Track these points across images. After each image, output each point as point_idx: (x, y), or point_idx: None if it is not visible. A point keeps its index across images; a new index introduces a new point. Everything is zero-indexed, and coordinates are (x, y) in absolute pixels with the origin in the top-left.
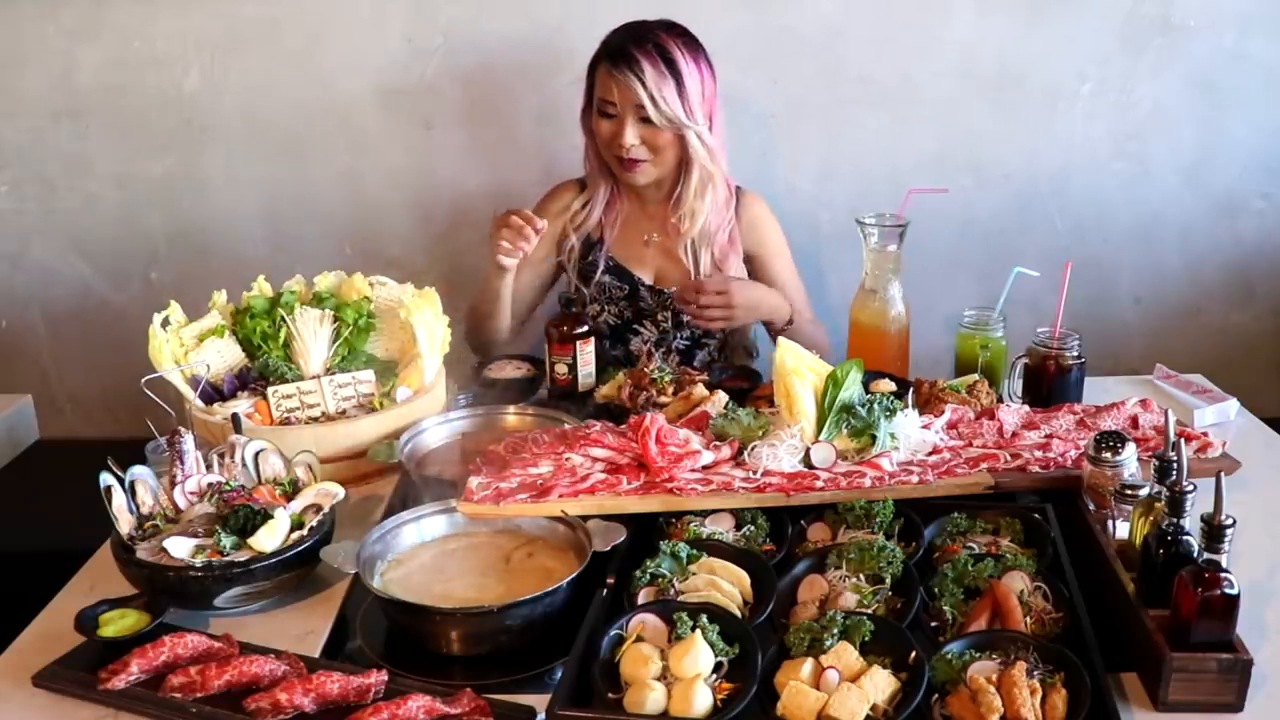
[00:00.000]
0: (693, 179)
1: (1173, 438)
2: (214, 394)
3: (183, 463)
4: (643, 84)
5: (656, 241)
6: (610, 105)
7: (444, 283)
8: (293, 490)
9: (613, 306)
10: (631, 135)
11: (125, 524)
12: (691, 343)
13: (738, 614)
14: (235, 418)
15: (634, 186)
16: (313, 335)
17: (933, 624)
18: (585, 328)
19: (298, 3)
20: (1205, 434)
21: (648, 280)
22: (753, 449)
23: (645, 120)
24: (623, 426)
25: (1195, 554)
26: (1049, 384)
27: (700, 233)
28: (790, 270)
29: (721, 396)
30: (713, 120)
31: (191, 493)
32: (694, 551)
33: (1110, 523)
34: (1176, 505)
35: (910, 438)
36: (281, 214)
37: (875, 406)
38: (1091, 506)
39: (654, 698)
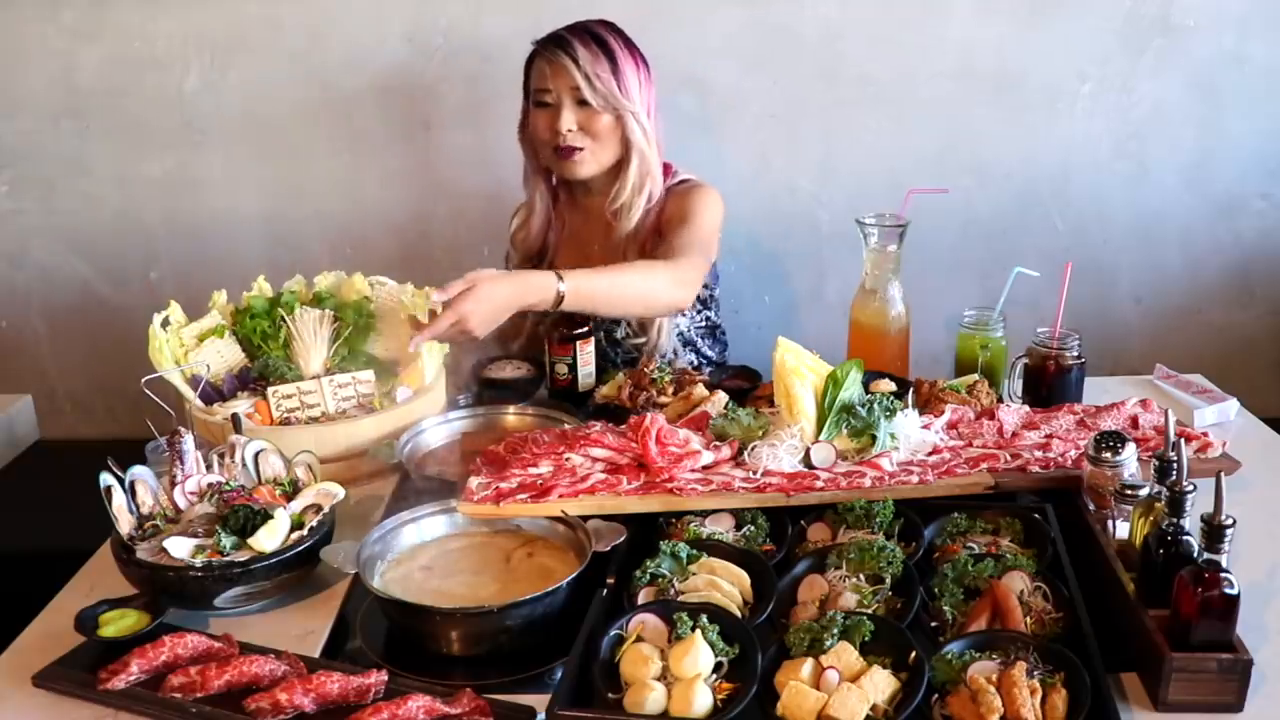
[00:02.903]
0: (631, 170)
1: (1173, 438)
2: (214, 394)
3: (183, 463)
4: (576, 63)
5: (598, 253)
6: (546, 93)
7: (444, 282)
8: (293, 490)
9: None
10: (569, 120)
11: (125, 524)
12: (637, 356)
13: (738, 614)
14: (235, 418)
15: (574, 182)
16: (313, 335)
17: (933, 624)
18: (585, 328)
19: (298, 2)
20: (1205, 434)
21: None
22: (753, 449)
23: (582, 104)
24: (623, 426)
25: (1195, 554)
26: (1049, 384)
27: (633, 229)
28: (680, 235)
29: (721, 396)
30: (651, 121)
31: (191, 493)
32: (694, 551)
33: (1110, 523)
34: (1176, 505)
35: (910, 438)
36: (281, 214)
37: (875, 406)
38: (1091, 506)
39: (654, 698)
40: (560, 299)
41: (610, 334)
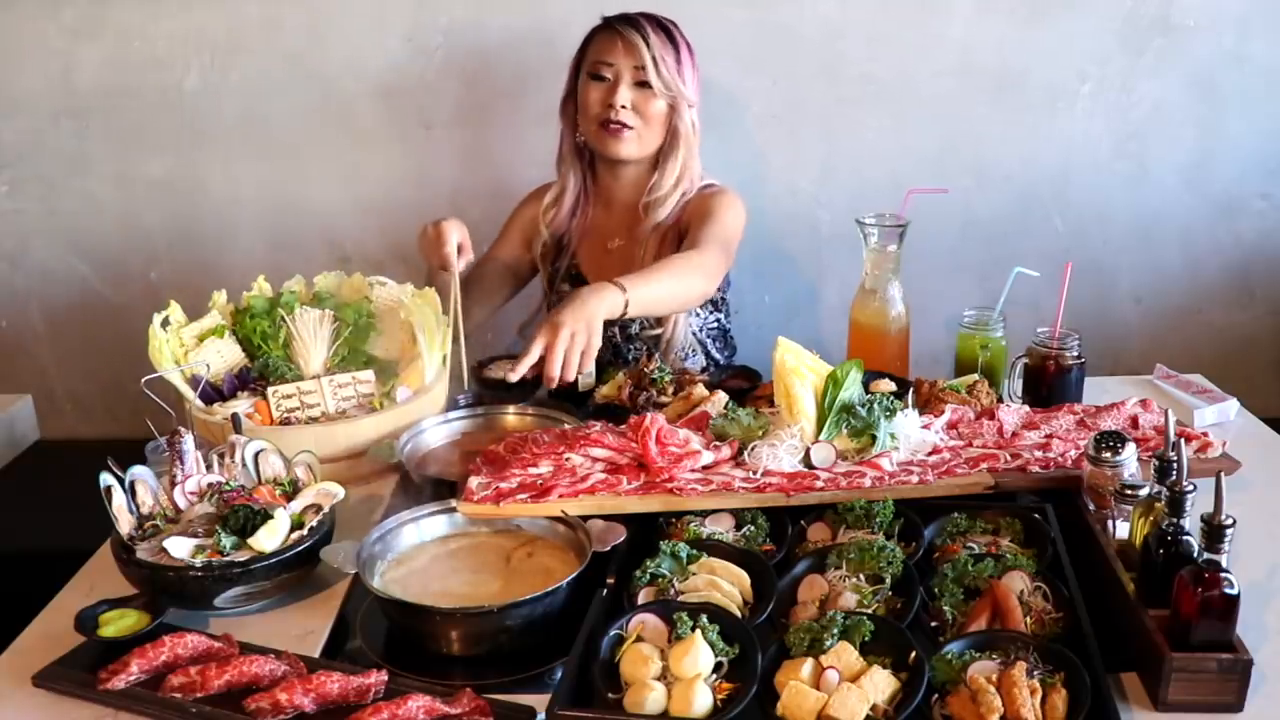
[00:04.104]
0: (673, 162)
1: (1173, 438)
2: (214, 394)
3: (183, 463)
4: (647, 43)
5: (619, 247)
6: (606, 67)
7: (443, 281)
8: (293, 490)
9: None
10: (624, 95)
11: (125, 524)
12: (652, 349)
13: (738, 614)
14: (235, 418)
15: (607, 167)
16: (313, 335)
17: (933, 624)
18: None
19: (298, 3)
20: (1205, 434)
21: None
22: (753, 449)
23: (641, 84)
24: (623, 426)
25: (1195, 554)
26: (1049, 384)
27: (660, 224)
28: (703, 230)
29: (721, 396)
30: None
31: (191, 493)
32: (694, 551)
33: (1110, 523)
34: (1176, 505)
35: (910, 438)
36: (281, 213)
37: (875, 406)
38: (1091, 506)
39: (654, 698)
40: (626, 306)
41: (625, 328)
